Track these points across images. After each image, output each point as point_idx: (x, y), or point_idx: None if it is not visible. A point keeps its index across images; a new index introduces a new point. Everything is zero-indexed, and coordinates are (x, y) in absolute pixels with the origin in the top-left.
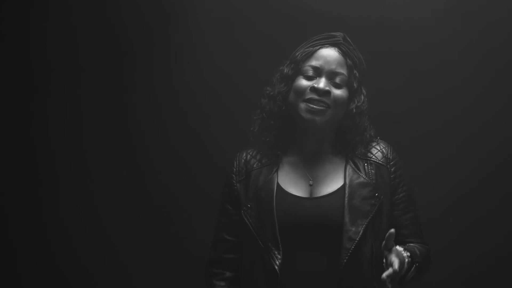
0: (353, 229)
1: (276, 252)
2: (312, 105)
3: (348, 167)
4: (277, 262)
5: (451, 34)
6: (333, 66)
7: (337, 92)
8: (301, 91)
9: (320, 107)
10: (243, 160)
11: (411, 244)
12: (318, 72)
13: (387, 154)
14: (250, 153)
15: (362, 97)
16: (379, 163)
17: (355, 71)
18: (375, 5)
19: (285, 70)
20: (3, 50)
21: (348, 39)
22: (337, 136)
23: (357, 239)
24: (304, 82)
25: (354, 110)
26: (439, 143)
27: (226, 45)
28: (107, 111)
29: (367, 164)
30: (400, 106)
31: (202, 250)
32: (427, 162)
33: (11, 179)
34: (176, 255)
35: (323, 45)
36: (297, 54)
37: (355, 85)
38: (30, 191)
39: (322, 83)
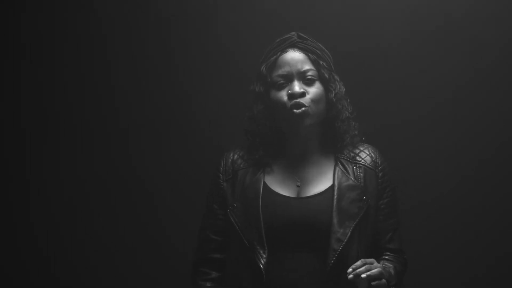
0: (341, 230)
1: (261, 252)
2: (296, 111)
3: (338, 169)
4: (262, 262)
5: (453, 36)
6: (298, 67)
7: (312, 89)
8: (281, 103)
9: (302, 110)
10: (230, 160)
11: (388, 265)
12: (287, 78)
13: (376, 158)
14: (238, 153)
15: (337, 83)
16: (368, 167)
17: (321, 62)
18: (377, 5)
19: (257, 89)
20: None
21: (302, 35)
22: (324, 132)
23: (345, 240)
24: (279, 94)
25: (334, 99)
26: (439, 143)
27: (219, 45)
28: (99, 112)
29: (356, 167)
30: (399, 106)
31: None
32: (427, 162)
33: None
34: (171, 255)
35: (282, 51)
36: (262, 69)
37: (326, 75)
38: (22, 190)
39: (295, 86)
